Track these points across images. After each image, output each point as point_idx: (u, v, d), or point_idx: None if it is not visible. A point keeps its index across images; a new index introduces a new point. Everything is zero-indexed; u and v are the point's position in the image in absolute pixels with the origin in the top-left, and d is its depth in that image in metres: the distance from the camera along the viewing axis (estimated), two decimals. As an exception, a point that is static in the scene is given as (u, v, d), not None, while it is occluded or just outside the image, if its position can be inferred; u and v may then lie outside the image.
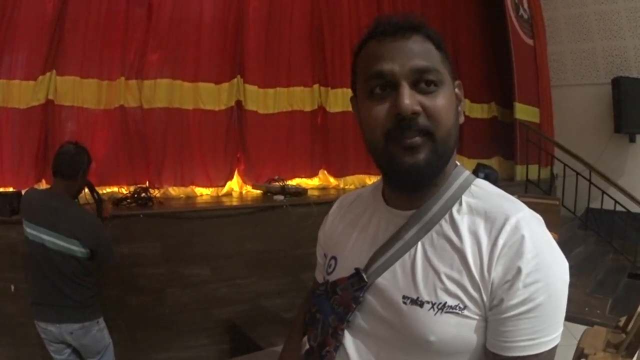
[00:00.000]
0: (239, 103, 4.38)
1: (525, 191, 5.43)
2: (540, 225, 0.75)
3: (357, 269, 0.82)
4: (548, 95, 6.47)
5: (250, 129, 4.41)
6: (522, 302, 0.68)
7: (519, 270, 0.69)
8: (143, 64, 3.90)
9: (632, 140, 5.86)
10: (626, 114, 5.67)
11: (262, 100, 4.48)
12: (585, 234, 5.57)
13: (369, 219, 0.89)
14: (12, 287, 2.75)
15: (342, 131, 4.86)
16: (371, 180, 4.82)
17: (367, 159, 4.38)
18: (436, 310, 0.72)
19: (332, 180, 4.98)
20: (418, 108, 0.73)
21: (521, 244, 0.70)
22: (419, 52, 0.75)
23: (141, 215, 3.21)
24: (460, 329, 0.72)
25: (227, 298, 3.44)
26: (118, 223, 3.00)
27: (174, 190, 4.06)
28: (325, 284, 0.88)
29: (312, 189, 4.72)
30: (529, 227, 0.72)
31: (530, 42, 6.21)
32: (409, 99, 0.73)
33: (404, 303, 0.76)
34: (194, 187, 4.18)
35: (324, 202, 3.81)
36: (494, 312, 0.71)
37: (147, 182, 3.90)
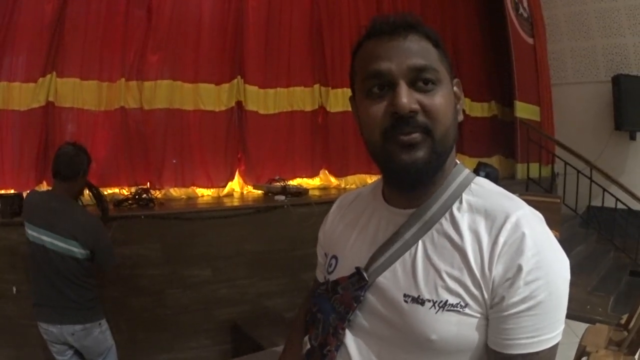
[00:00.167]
0: (239, 103, 4.38)
1: (526, 189, 5.43)
2: (540, 223, 0.75)
3: (357, 268, 0.82)
4: (548, 93, 6.47)
5: (251, 130, 4.42)
6: (523, 300, 0.68)
7: (519, 268, 0.69)
8: (143, 65, 3.91)
9: (633, 138, 5.85)
10: (626, 112, 5.66)
11: (263, 100, 4.48)
12: (586, 232, 5.57)
13: (369, 218, 0.89)
14: (14, 289, 2.75)
15: (343, 131, 4.86)
16: (372, 179, 4.76)
17: (367, 159, 4.34)
18: (437, 308, 0.72)
19: (333, 180, 4.99)
20: (416, 106, 0.73)
21: (522, 242, 0.70)
22: (416, 50, 0.75)
23: (142, 216, 3.21)
24: (462, 327, 0.72)
25: (228, 298, 3.44)
26: (119, 224, 3.00)
27: (174, 191, 4.06)
28: (326, 283, 0.88)
29: (313, 189, 4.72)
30: (530, 224, 0.72)
31: (530, 40, 6.21)
32: (406, 97, 0.72)
33: (405, 302, 0.76)
34: (194, 187, 4.18)
35: (325, 202, 3.81)
36: (495, 310, 0.71)
37: (148, 183, 3.90)
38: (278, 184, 4.23)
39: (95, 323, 2.37)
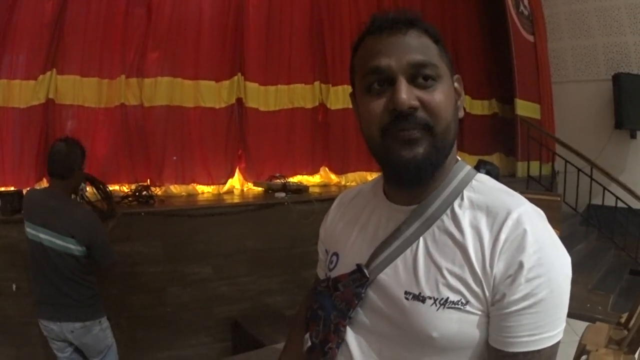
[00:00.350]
0: (239, 100, 4.38)
1: (527, 187, 5.43)
2: (542, 220, 0.74)
3: (358, 265, 0.82)
4: (549, 91, 6.46)
5: (251, 127, 4.42)
6: (524, 297, 0.68)
7: (521, 265, 0.68)
8: (143, 62, 3.90)
9: (633, 136, 5.85)
10: (627, 110, 5.67)
11: (263, 97, 4.48)
12: (586, 230, 5.57)
13: (370, 214, 0.88)
14: (14, 287, 2.75)
15: (343, 128, 4.86)
16: (372, 177, 4.78)
17: (368, 156, 4.33)
18: (438, 305, 0.72)
19: (334, 177, 4.99)
20: (415, 103, 0.73)
21: (523, 239, 0.70)
22: (416, 46, 0.75)
23: (142, 214, 3.21)
24: (463, 324, 0.72)
25: (229, 296, 3.44)
26: (119, 221, 3.00)
27: (175, 188, 4.06)
28: (326, 280, 0.88)
29: (313, 186, 4.72)
30: (531, 221, 0.72)
31: (530, 38, 6.20)
32: (405, 93, 0.72)
33: (406, 299, 0.75)
34: (195, 185, 4.19)
35: (325, 199, 3.81)
36: (496, 308, 0.70)
37: (148, 180, 3.91)
38: (278, 181, 4.24)
39: (95, 321, 2.37)
